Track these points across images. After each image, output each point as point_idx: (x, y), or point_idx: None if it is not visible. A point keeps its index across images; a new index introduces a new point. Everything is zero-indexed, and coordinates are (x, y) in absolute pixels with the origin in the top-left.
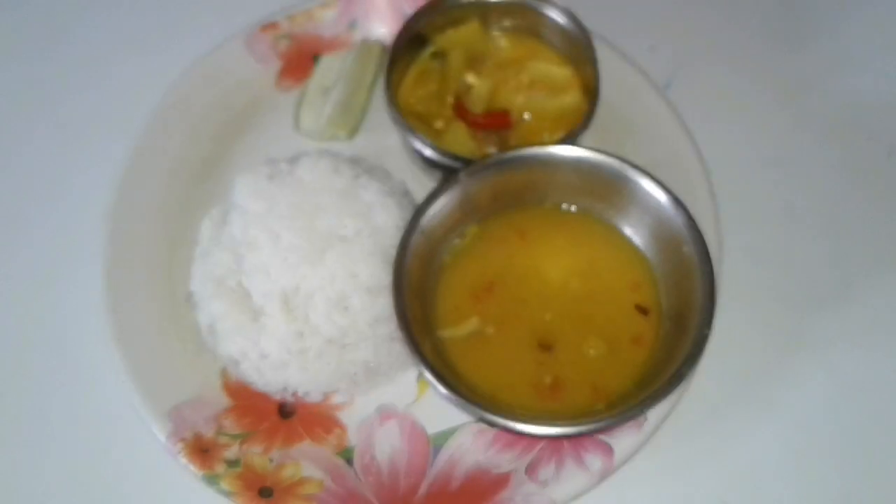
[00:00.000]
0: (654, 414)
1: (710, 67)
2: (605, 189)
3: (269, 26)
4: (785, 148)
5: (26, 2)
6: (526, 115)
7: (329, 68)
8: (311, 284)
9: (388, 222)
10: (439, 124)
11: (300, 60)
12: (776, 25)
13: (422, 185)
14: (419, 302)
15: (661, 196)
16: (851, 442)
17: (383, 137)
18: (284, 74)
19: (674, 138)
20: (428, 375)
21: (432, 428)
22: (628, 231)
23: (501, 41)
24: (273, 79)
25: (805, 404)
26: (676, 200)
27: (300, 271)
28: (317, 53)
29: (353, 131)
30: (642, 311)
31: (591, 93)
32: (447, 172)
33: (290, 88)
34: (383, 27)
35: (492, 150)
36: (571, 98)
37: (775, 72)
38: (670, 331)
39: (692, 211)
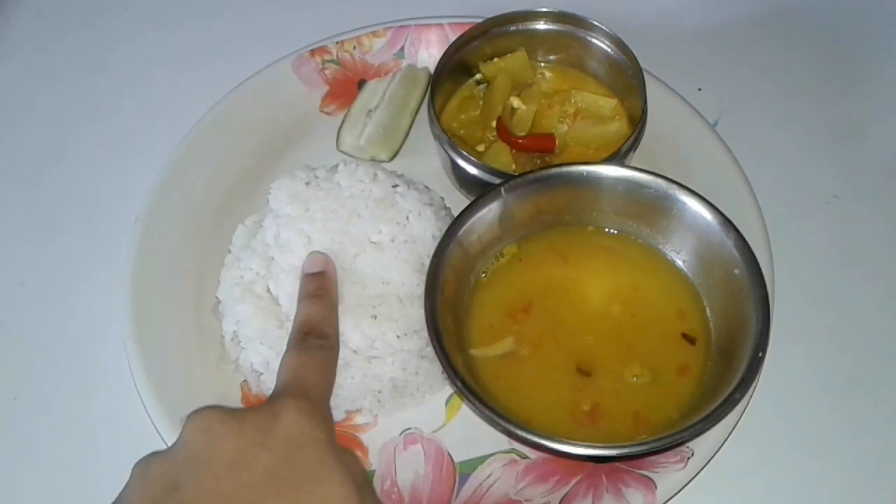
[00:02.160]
0: (701, 449)
1: (759, 108)
2: (651, 210)
3: (318, 50)
4: (836, 190)
5: (86, 18)
6: (569, 141)
7: (374, 91)
8: (342, 289)
9: (424, 231)
10: (481, 147)
11: (346, 85)
12: (826, 67)
13: (461, 205)
14: (452, 316)
15: (710, 217)
16: None
17: (424, 161)
18: (329, 98)
19: (724, 170)
20: (460, 387)
21: (459, 456)
22: (674, 256)
23: (547, 72)
24: (318, 102)
25: (860, 452)
26: (727, 221)
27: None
28: (363, 79)
29: (393, 153)
30: (689, 339)
31: (637, 120)
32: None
33: (334, 112)
34: (430, 55)
35: None
36: (617, 126)
37: (825, 113)
38: (719, 361)
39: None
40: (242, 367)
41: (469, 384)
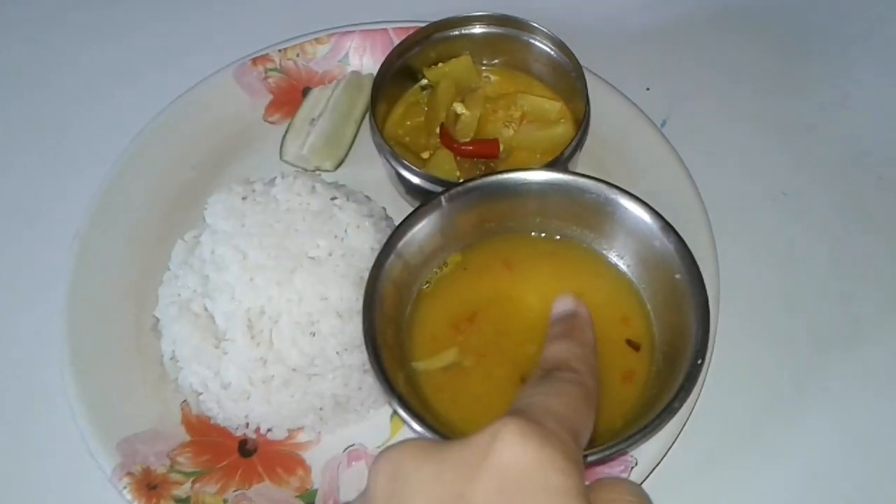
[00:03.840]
0: (645, 458)
1: (708, 107)
2: (593, 215)
3: (261, 59)
4: (784, 187)
5: (23, 33)
6: (514, 145)
7: (318, 99)
8: (278, 307)
9: (363, 244)
10: (426, 155)
11: (290, 94)
12: (774, 63)
13: (405, 214)
14: (393, 330)
15: (650, 221)
16: (861, 494)
17: (369, 170)
18: (273, 107)
19: (669, 172)
20: (398, 408)
21: None
22: (618, 261)
23: (492, 76)
24: (261, 111)
25: (809, 452)
26: (667, 225)
27: (266, 292)
28: (307, 87)
29: (338, 162)
30: (634, 346)
31: (581, 123)
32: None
33: (278, 122)
34: (375, 61)
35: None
36: (562, 130)
37: (774, 110)
38: (663, 367)
39: (690, 245)
40: (182, 387)
41: (406, 401)
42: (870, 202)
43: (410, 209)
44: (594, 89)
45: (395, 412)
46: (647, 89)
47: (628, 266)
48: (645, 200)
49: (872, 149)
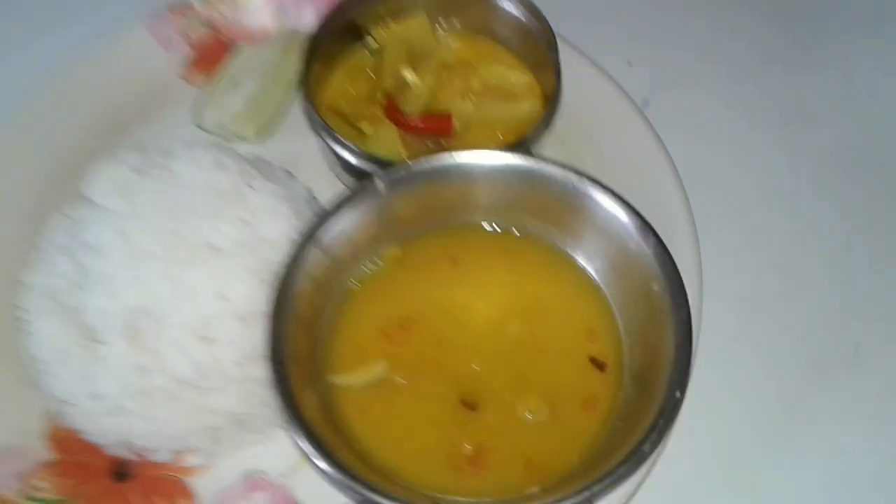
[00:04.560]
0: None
1: (696, 88)
2: (559, 208)
3: (181, 8)
4: (779, 185)
5: None
6: (472, 122)
7: (246, 59)
8: (165, 306)
9: (278, 233)
10: (367, 128)
11: (215, 50)
12: (770, 43)
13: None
14: (308, 336)
15: (626, 219)
16: None
17: (300, 144)
18: (194, 65)
19: (650, 163)
20: (298, 439)
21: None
22: (585, 263)
23: (451, 41)
24: (180, 69)
25: (797, 492)
26: (645, 225)
27: (152, 288)
28: (235, 43)
29: (262, 132)
30: (598, 365)
31: (551, 99)
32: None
33: (200, 82)
34: (316, 18)
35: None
36: (529, 106)
37: (769, 95)
38: (632, 393)
39: (667, 244)
40: (47, 394)
41: (310, 430)
42: (874, 203)
43: (345, 190)
44: (568, 61)
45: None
46: (629, 64)
47: (597, 270)
48: (620, 194)
49: (878, 143)
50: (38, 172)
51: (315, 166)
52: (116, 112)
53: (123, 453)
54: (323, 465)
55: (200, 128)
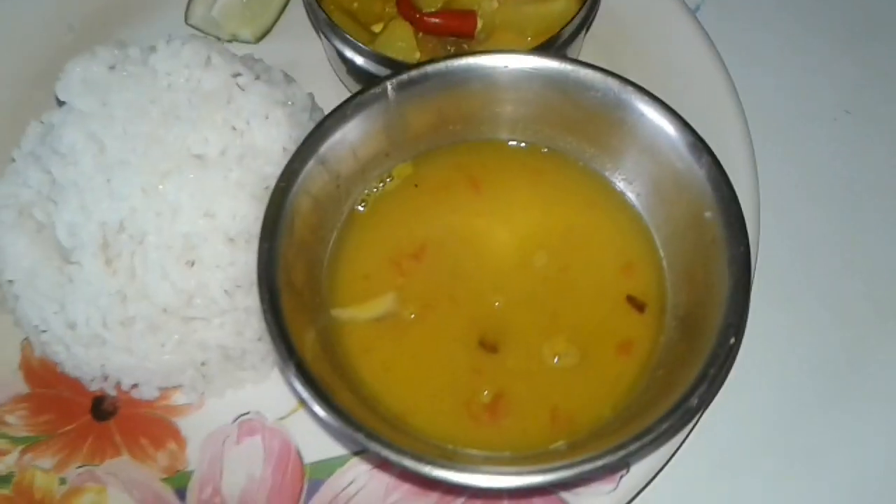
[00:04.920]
0: (641, 466)
1: None
2: (597, 122)
3: None
4: (847, 103)
5: None
6: (498, 23)
7: None
8: (143, 222)
9: (272, 142)
10: (378, 28)
11: None
12: None
13: None
14: (306, 263)
15: (675, 134)
16: None
17: (302, 44)
18: None
19: (702, 71)
20: (295, 382)
21: (312, 454)
22: (625, 187)
23: None
24: None
25: (859, 455)
26: (698, 141)
27: (127, 201)
28: None
29: (261, 32)
30: (636, 304)
31: None
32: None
33: None
34: None
35: None
36: (563, 6)
37: (839, 6)
38: (675, 337)
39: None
40: (21, 319)
41: (307, 371)
42: None
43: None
44: None
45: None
46: None
47: (638, 195)
48: (668, 105)
49: None
50: (16, 75)
51: (318, 70)
52: (99, 6)
53: (104, 388)
54: (319, 410)
55: (190, 26)
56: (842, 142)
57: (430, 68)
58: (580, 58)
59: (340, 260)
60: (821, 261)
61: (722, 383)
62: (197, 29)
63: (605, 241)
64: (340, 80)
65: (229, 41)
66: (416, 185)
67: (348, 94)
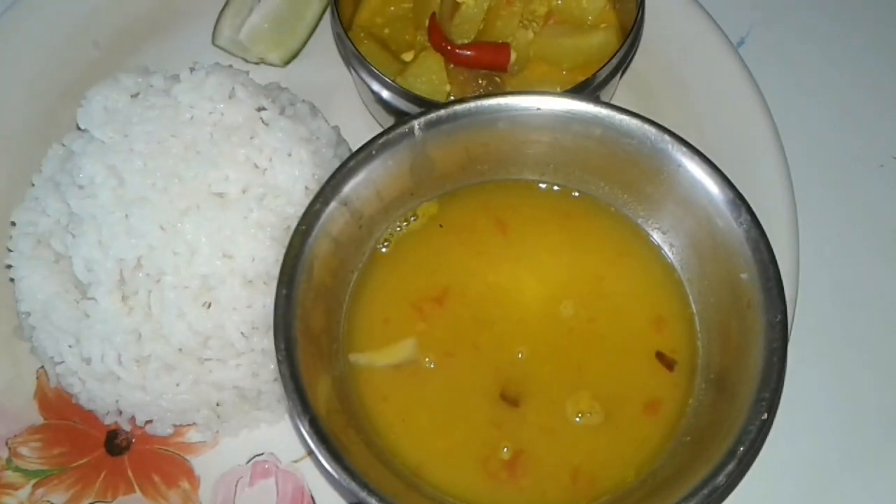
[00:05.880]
0: None
1: (803, 26)
2: (633, 170)
3: None
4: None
5: None
6: (532, 55)
7: None
8: (161, 261)
9: (294, 181)
10: (409, 57)
11: None
12: None
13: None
14: (325, 307)
15: (715, 190)
16: None
17: (331, 70)
18: None
19: (744, 116)
20: (303, 431)
21: (325, 500)
22: (659, 238)
23: None
24: None
25: None
26: (738, 198)
27: (145, 239)
28: None
29: (288, 55)
30: (666, 362)
31: (630, 32)
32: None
33: None
34: None
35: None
36: (602, 39)
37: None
38: (705, 401)
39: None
40: (37, 350)
41: (325, 428)
42: None
43: (379, 129)
44: None
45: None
46: None
47: (672, 246)
48: (708, 158)
49: None
50: (40, 92)
51: (346, 96)
52: (126, 24)
53: (119, 422)
54: (331, 469)
55: (217, 47)
56: (888, 189)
57: (459, 108)
58: (616, 92)
59: (360, 302)
60: (863, 316)
61: (752, 462)
62: (224, 50)
63: (636, 293)
64: (368, 108)
65: (256, 63)
66: (440, 226)
67: (375, 124)
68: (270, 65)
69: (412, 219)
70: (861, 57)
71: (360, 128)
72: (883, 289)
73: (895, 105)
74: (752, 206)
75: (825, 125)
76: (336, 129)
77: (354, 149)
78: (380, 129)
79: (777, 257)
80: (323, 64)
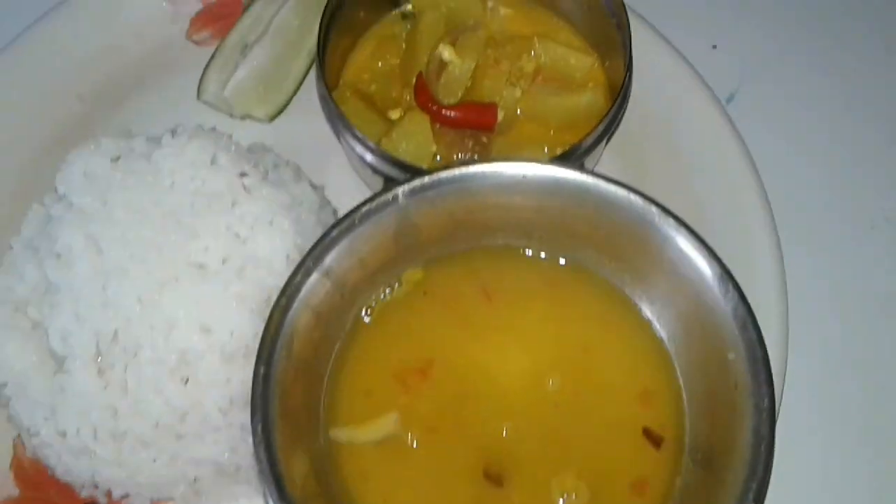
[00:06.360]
0: None
1: (792, 80)
2: (621, 239)
3: None
4: (888, 209)
5: None
6: (520, 114)
7: (259, 16)
8: (138, 335)
9: (275, 252)
10: (395, 114)
11: (229, 5)
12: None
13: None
14: (305, 384)
15: (702, 265)
16: None
17: (317, 125)
18: (203, 20)
19: (732, 179)
20: None
21: None
22: (647, 308)
23: (501, 9)
24: (185, 25)
25: None
26: (725, 275)
27: (123, 311)
28: None
29: (275, 110)
30: (653, 439)
31: (618, 93)
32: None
33: (207, 41)
34: None
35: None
36: (591, 98)
37: (881, 98)
38: (692, 481)
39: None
40: (14, 418)
41: None
42: None
43: (365, 188)
44: (640, 42)
45: None
46: (714, 47)
47: (660, 318)
48: (697, 234)
49: None
50: (21, 146)
51: (333, 154)
52: (110, 76)
53: (95, 496)
54: None
55: (203, 102)
56: (880, 252)
57: (443, 175)
58: (605, 161)
59: (342, 373)
60: (852, 389)
61: None
62: (209, 105)
63: (623, 365)
64: (353, 167)
65: (242, 118)
66: (425, 293)
67: (361, 182)
68: (257, 119)
69: (396, 285)
70: (853, 115)
71: (346, 185)
72: (877, 358)
73: (887, 165)
74: (739, 272)
75: (815, 185)
76: (321, 189)
77: (340, 209)
78: (365, 188)
79: (765, 327)
80: (310, 118)
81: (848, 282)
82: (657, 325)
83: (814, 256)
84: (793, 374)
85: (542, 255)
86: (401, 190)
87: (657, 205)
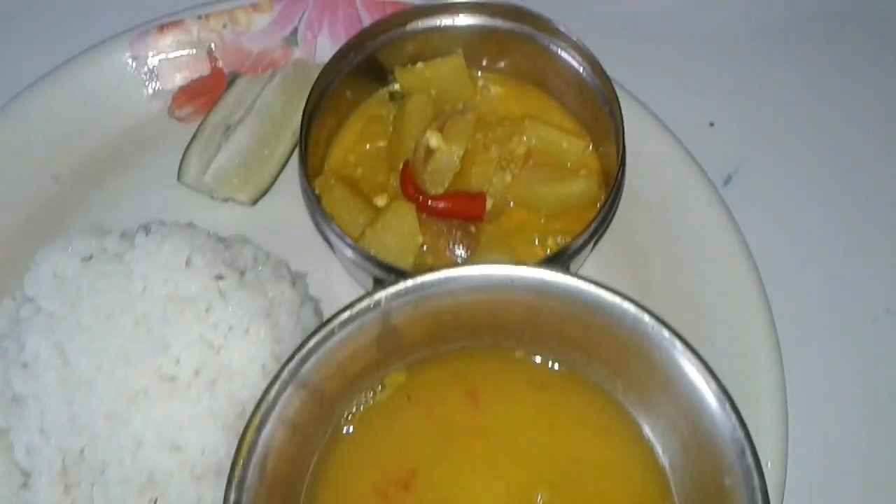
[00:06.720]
0: None
1: (794, 160)
2: (612, 344)
3: (171, 26)
4: (892, 294)
5: None
6: (511, 204)
7: (243, 95)
8: (104, 453)
9: (249, 362)
10: (382, 201)
11: (211, 80)
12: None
13: (345, 291)
14: (280, 498)
15: (696, 379)
16: None
17: (303, 208)
18: (184, 97)
19: (730, 271)
20: None
21: None
22: (642, 418)
23: (492, 88)
24: (167, 102)
25: None
26: (722, 393)
27: (89, 428)
28: (235, 73)
29: (258, 193)
30: None
31: (612, 181)
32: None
33: (190, 118)
34: (335, 45)
35: (453, 253)
36: (583, 187)
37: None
38: None
39: (751, 422)
40: None
41: None
42: None
43: (353, 282)
44: (634, 123)
45: None
46: (711, 125)
47: (654, 430)
48: (690, 345)
49: None
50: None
51: (317, 236)
52: (88, 155)
53: None
54: None
55: (184, 184)
56: (882, 345)
57: (426, 279)
58: (594, 259)
59: (320, 487)
60: (856, 483)
61: None
62: (189, 187)
63: (614, 478)
64: (337, 257)
65: (224, 200)
66: (408, 397)
67: (341, 270)
68: (238, 202)
69: (379, 389)
70: (855, 202)
71: (330, 269)
72: (879, 452)
73: (888, 254)
74: (737, 382)
75: (815, 275)
76: (303, 279)
77: (322, 296)
78: (346, 274)
79: (764, 426)
80: (294, 200)
81: (850, 374)
82: (651, 435)
83: (814, 348)
84: (792, 468)
85: (532, 357)
86: (384, 295)
87: (650, 314)
